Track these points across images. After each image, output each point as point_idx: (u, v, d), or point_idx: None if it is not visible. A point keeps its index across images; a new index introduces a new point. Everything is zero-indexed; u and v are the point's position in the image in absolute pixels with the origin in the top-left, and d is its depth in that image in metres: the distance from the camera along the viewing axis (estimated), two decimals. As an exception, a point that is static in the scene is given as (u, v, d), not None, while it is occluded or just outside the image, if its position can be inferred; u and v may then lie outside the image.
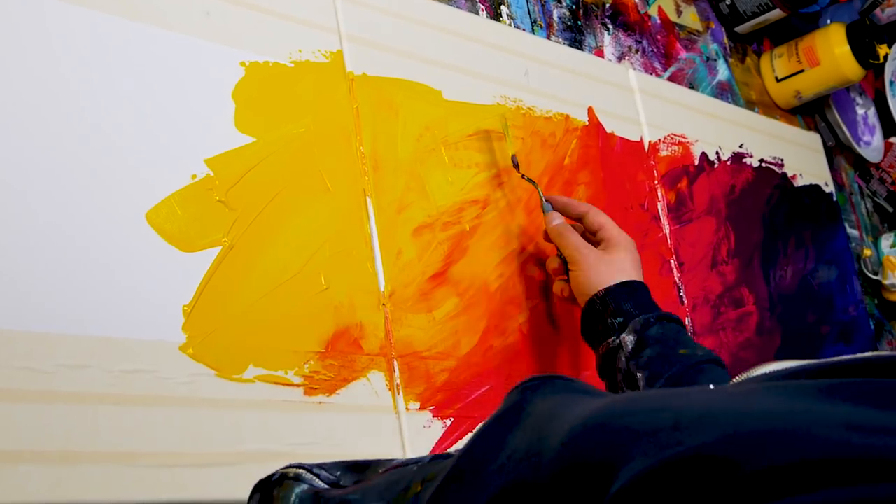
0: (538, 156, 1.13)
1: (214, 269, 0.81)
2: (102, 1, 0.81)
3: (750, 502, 0.38)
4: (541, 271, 1.08)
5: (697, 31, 1.51)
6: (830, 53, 1.56)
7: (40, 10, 0.77)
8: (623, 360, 0.94)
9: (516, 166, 1.06)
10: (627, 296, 0.96)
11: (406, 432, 0.90)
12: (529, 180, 1.06)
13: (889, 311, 1.73)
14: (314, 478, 0.68)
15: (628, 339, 0.94)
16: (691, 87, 1.45)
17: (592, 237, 1.03)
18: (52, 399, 0.70)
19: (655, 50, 1.40)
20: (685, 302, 1.26)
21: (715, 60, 1.52)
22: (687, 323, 1.25)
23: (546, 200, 1.05)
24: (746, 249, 1.41)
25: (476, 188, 1.05)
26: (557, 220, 1.03)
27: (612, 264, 0.98)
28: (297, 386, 0.84)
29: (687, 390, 0.65)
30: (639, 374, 0.91)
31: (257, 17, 0.92)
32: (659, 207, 1.28)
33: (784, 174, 1.55)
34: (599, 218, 1.02)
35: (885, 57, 1.61)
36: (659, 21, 1.43)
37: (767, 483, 0.38)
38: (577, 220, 1.04)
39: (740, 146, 1.48)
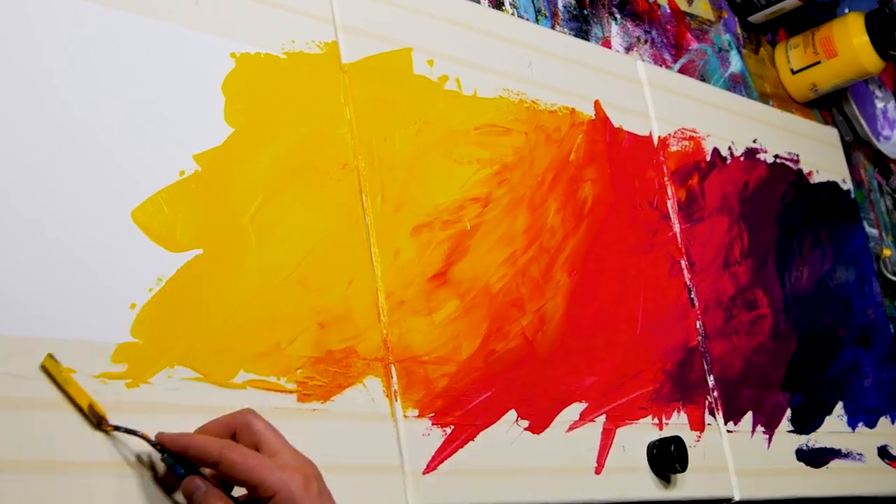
0: (542, 151, 1.13)
1: (202, 270, 0.81)
2: (86, -11, 0.81)
3: None
4: (545, 272, 1.08)
5: (709, 20, 1.51)
6: (848, 44, 1.56)
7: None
8: None
9: (98, 423, 0.72)
10: None
11: (404, 440, 0.90)
12: (129, 431, 0.72)
13: (910, 313, 1.73)
14: None
15: None
16: (703, 79, 1.45)
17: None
18: (32, 406, 0.70)
19: (665, 40, 1.40)
20: (696, 304, 1.26)
21: (727, 51, 1.52)
22: (698, 327, 1.25)
23: (167, 459, 0.72)
24: (760, 249, 1.41)
25: (477, 185, 1.05)
26: (201, 487, 0.71)
27: None
28: (290, 392, 0.84)
29: None
30: None
31: (248, 6, 0.92)
32: (669, 205, 1.28)
33: (800, 171, 1.55)
34: (237, 468, 0.70)
35: (906, 48, 1.61)
36: (669, 10, 1.43)
37: None
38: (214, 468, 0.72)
39: (754, 141, 1.48)
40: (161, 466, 0.73)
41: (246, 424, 0.73)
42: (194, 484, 0.71)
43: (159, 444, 0.72)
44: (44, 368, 0.71)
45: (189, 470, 0.71)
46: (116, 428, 0.72)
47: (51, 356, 0.70)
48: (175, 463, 0.72)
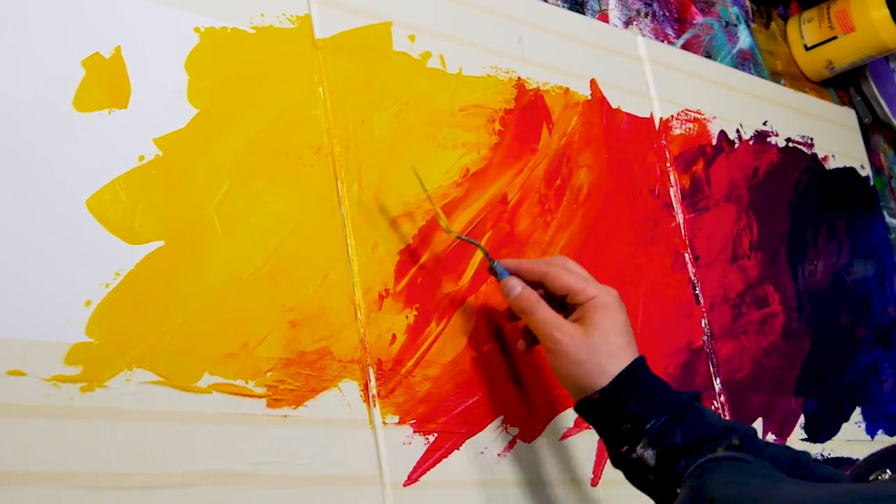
0: (533, 135, 1.14)
1: (163, 264, 0.82)
2: (36, -43, 0.81)
3: None
4: (537, 266, 1.09)
5: (716, -8, 1.52)
6: (867, 18, 1.57)
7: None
8: (650, 476, 0.90)
9: (445, 228, 1.00)
10: (630, 393, 0.90)
11: (383, 449, 0.90)
12: (471, 241, 1.00)
13: (933, 311, 1.74)
14: None
15: (647, 454, 0.89)
16: (708, 56, 1.45)
17: (561, 302, 0.96)
18: (-21, 411, 0.71)
19: (667, 14, 1.41)
20: (701, 301, 1.27)
21: (735, 26, 1.53)
22: (703, 325, 1.26)
23: (496, 264, 0.97)
24: (771, 241, 1.42)
25: (463, 172, 1.05)
26: (518, 287, 0.96)
27: (596, 350, 0.91)
28: (259, 397, 0.84)
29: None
30: (678, 490, 0.87)
31: (213, -25, 0.92)
32: (671, 193, 1.29)
33: (814, 155, 1.57)
34: (563, 279, 0.94)
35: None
36: (672, -19, 1.44)
37: None
38: (538, 285, 0.96)
39: (764, 124, 1.49)
40: None
41: (562, 262, 0.96)
42: (512, 282, 0.95)
43: (498, 262, 0.97)
44: (414, 170, 0.98)
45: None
46: (459, 237, 1.00)
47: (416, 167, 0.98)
48: (501, 270, 0.96)
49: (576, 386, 0.92)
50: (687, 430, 0.89)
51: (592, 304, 0.93)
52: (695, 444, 0.88)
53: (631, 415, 0.90)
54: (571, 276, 0.94)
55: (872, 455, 0.75)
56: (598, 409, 0.91)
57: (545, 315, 0.93)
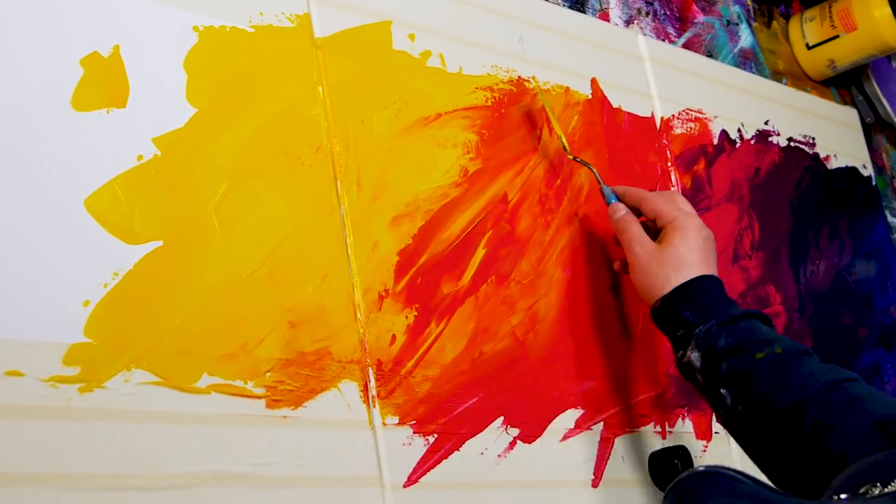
0: (533, 134, 1.14)
1: (162, 264, 0.82)
2: (34, -44, 0.81)
3: None
4: (537, 266, 1.09)
5: (717, -10, 1.52)
6: (869, 17, 1.57)
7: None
8: (699, 377, 0.98)
9: (564, 149, 1.11)
10: (685, 302, 0.99)
11: (383, 450, 0.90)
12: (584, 164, 1.12)
13: (936, 311, 1.74)
14: None
15: (693, 356, 0.97)
16: (710, 55, 1.45)
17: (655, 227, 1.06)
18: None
19: (669, 13, 1.41)
20: (702, 301, 1.27)
21: (737, 25, 1.53)
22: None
23: (605, 188, 1.09)
24: (773, 241, 1.42)
25: (462, 172, 1.05)
26: (621, 212, 1.07)
27: (665, 263, 1.01)
28: (258, 397, 0.84)
29: None
30: (723, 391, 0.95)
31: (212, -26, 0.92)
32: (672, 193, 1.28)
33: (816, 155, 1.57)
34: (656, 204, 1.05)
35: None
36: (673, -21, 1.44)
37: None
38: (637, 211, 1.07)
39: (766, 123, 1.49)
40: None
41: (671, 194, 1.07)
42: (618, 206, 1.07)
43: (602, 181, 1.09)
44: (542, 95, 1.13)
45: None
46: (574, 158, 1.12)
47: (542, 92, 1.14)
48: (609, 194, 1.08)
49: (647, 295, 1.02)
50: (731, 335, 0.96)
51: (672, 226, 1.02)
52: (735, 349, 0.95)
53: (685, 321, 0.98)
54: (665, 203, 1.04)
55: (859, 466, 0.76)
56: (661, 316, 1.01)
57: (633, 233, 1.04)
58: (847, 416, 0.87)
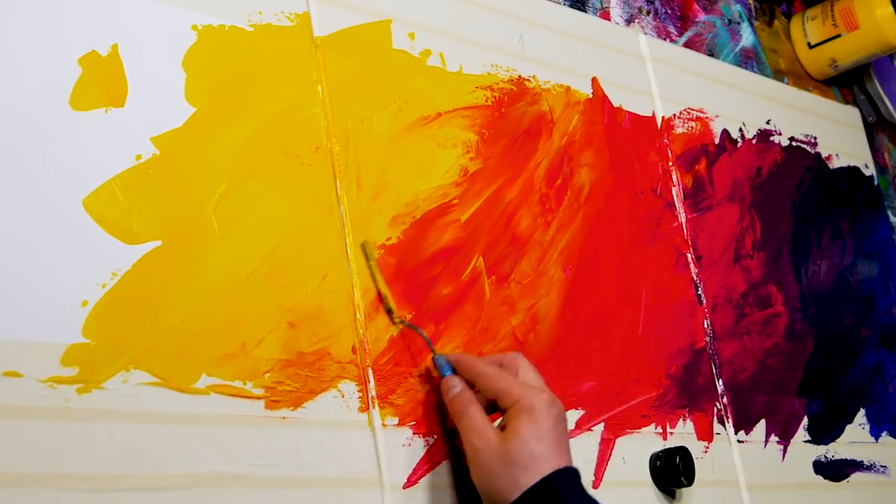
0: (534, 134, 1.14)
1: (160, 264, 0.82)
2: (32, -45, 0.81)
3: None
4: (537, 266, 1.09)
5: (718, -11, 1.52)
6: (871, 15, 1.57)
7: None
8: None
9: (389, 312, 0.95)
10: None
11: (382, 451, 0.90)
12: (414, 328, 0.96)
13: (938, 312, 1.74)
14: None
15: None
16: (711, 54, 1.45)
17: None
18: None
19: (670, 11, 1.41)
20: (704, 301, 1.27)
21: (738, 24, 1.53)
22: (706, 326, 1.26)
23: (438, 357, 0.94)
24: (774, 241, 1.42)
25: (462, 171, 1.05)
26: (455, 388, 0.92)
27: (511, 461, 0.85)
28: (258, 398, 0.84)
29: None
30: None
31: (211, -27, 0.92)
32: (674, 193, 1.29)
33: (818, 154, 1.57)
34: (493, 383, 0.90)
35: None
36: (674, -22, 1.44)
37: None
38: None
39: (767, 122, 1.49)
40: None
41: (512, 360, 0.93)
42: (453, 380, 0.92)
43: (442, 356, 0.94)
44: (363, 247, 0.94)
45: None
46: (402, 322, 0.95)
47: (367, 243, 0.95)
48: (443, 365, 0.93)
49: (490, 498, 0.87)
50: None
51: (516, 409, 0.87)
52: None
53: None
54: (502, 377, 0.90)
55: None
56: None
57: (471, 420, 0.89)
58: None
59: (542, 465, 0.85)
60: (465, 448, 0.89)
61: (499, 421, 0.89)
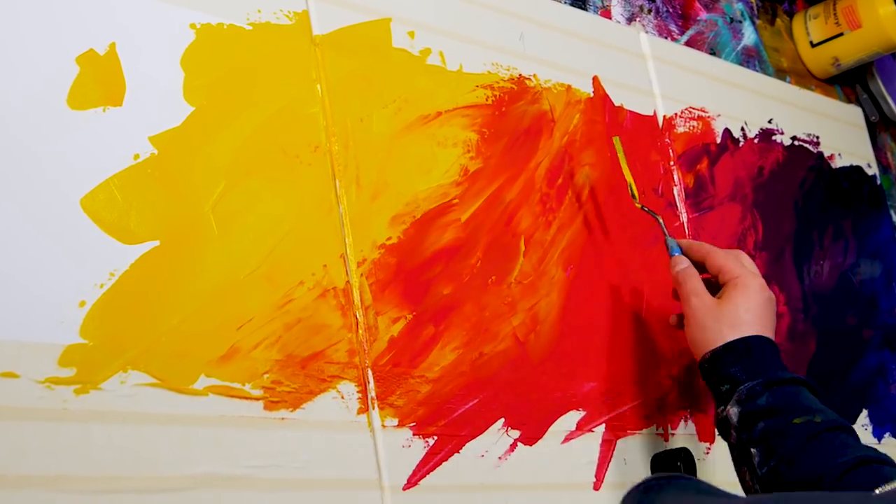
0: (535, 133, 1.14)
1: (158, 264, 0.82)
2: (29, -47, 0.81)
3: None
4: (538, 266, 1.09)
5: (720, -13, 1.52)
6: (874, 14, 1.57)
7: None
8: (734, 433, 0.96)
9: (632, 197, 1.13)
10: (735, 358, 0.98)
11: (382, 453, 0.90)
12: (652, 213, 1.13)
13: (941, 312, 1.74)
14: None
15: (733, 411, 0.96)
16: (713, 53, 1.45)
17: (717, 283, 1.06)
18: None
19: (671, 10, 1.41)
20: (705, 302, 1.27)
21: (740, 22, 1.53)
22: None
23: (669, 240, 1.09)
24: (776, 241, 1.42)
25: (462, 171, 1.05)
26: (682, 264, 1.07)
27: (721, 318, 1.00)
28: (257, 399, 0.84)
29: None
30: (753, 450, 0.94)
31: (209, -29, 0.92)
32: (675, 192, 1.29)
33: (820, 154, 1.57)
34: (719, 260, 1.05)
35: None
36: (675, -24, 1.44)
37: None
38: (700, 265, 1.07)
39: (769, 122, 1.49)
40: None
41: (736, 252, 1.07)
42: (681, 259, 1.08)
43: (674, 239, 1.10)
44: (617, 142, 1.16)
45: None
46: (643, 208, 1.13)
47: (618, 142, 1.16)
48: (673, 246, 1.09)
49: (698, 348, 1.01)
50: (774, 396, 0.95)
51: (733, 283, 1.02)
52: (775, 410, 0.94)
53: (732, 377, 0.98)
54: (729, 259, 1.05)
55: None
56: (709, 369, 1.00)
57: (692, 286, 1.04)
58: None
59: (745, 329, 1.00)
60: (684, 310, 1.04)
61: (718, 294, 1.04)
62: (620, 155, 1.15)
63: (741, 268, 1.03)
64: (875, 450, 0.92)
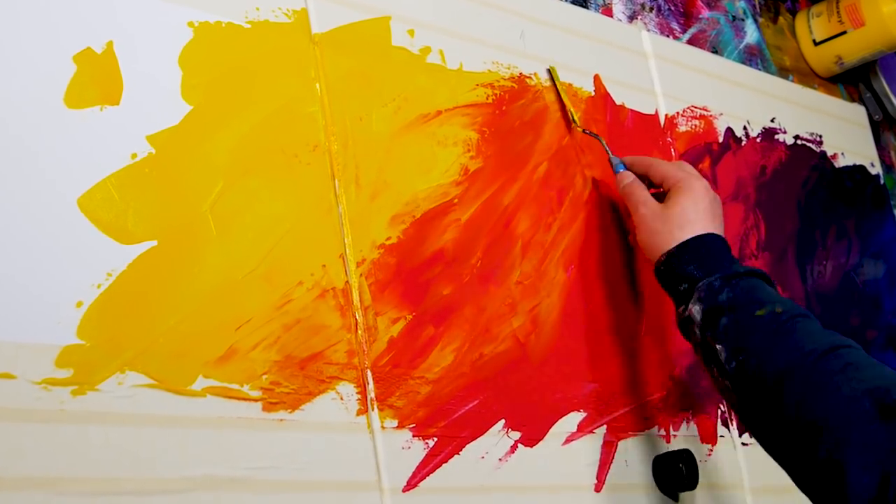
0: (536, 132, 1.14)
1: (156, 264, 0.82)
2: (26, -50, 0.81)
3: None
4: (539, 267, 1.09)
5: (722, -15, 1.52)
6: (877, 12, 1.57)
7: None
8: (697, 332, 0.98)
9: (571, 120, 1.16)
10: (691, 257, 1.01)
11: (382, 454, 0.91)
12: (594, 135, 1.16)
13: (945, 313, 1.74)
14: None
15: (695, 308, 0.99)
16: (715, 51, 1.46)
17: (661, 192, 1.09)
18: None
19: (673, 8, 1.41)
20: (707, 302, 1.27)
21: (742, 20, 1.53)
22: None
23: (613, 157, 1.13)
24: (779, 241, 1.42)
25: (462, 170, 1.05)
26: (628, 178, 1.11)
27: (669, 220, 1.04)
28: (255, 400, 0.84)
29: None
30: (718, 347, 0.96)
31: (207, -31, 0.92)
32: (677, 192, 1.28)
33: (823, 153, 1.57)
34: (662, 168, 1.09)
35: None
36: (677, -26, 1.44)
37: None
38: (645, 179, 1.11)
39: (772, 121, 1.49)
40: None
41: (658, 162, 1.10)
42: (626, 174, 1.11)
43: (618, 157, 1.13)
44: (549, 72, 1.17)
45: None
46: (584, 131, 1.16)
47: (554, 69, 1.17)
48: (617, 163, 1.12)
49: (652, 252, 1.04)
50: (734, 291, 0.97)
51: (678, 186, 1.05)
52: (736, 304, 0.96)
53: (689, 276, 1.00)
54: (672, 167, 1.08)
55: None
56: (665, 272, 1.02)
57: (639, 196, 1.07)
58: (838, 383, 0.87)
59: (695, 227, 1.03)
60: (634, 220, 1.07)
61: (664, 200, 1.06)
62: (558, 83, 1.17)
63: (684, 172, 1.07)
64: (837, 333, 0.94)
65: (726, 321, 0.96)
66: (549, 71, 1.17)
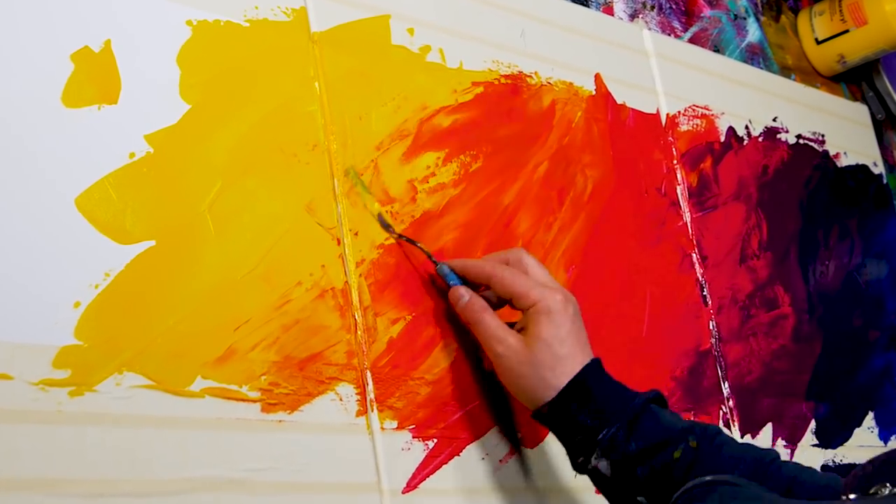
0: (536, 131, 1.14)
1: (154, 264, 0.82)
2: (23, -52, 0.81)
3: None
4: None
5: (724, -16, 1.52)
6: (880, 10, 1.57)
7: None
8: (609, 485, 0.90)
9: (386, 227, 0.97)
10: (578, 405, 0.89)
11: (381, 456, 0.90)
12: (411, 242, 0.98)
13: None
14: None
15: (602, 464, 0.89)
16: (716, 50, 1.46)
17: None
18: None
19: (674, 7, 1.41)
20: (709, 303, 1.27)
21: (744, 19, 1.53)
22: (711, 328, 1.26)
23: (442, 266, 0.97)
24: (781, 241, 1.42)
25: (462, 170, 1.05)
26: (465, 297, 0.95)
27: (537, 363, 0.90)
28: (254, 401, 0.84)
29: None
30: (639, 499, 0.89)
31: (206, -33, 0.92)
32: (678, 192, 1.29)
33: (825, 152, 1.57)
34: (508, 284, 0.92)
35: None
36: (679, -28, 1.44)
37: None
38: (486, 289, 0.96)
39: (774, 120, 1.49)
40: None
41: (518, 258, 0.94)
42: (459, 292, 0.95)
43: (435, 258, 0.96)
44: (349, 172, 0.95)
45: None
46: (400, 237, 0.96)
47: (353, 168, 0.95)
48: (447, 273, 0.95)
49: (527, 400, 0.91)
50: (640, 437, 0.88)
51: (534, 311, 0.91)
52: (648, 451, 0.88)
53: (582, 426, 0.89)
54: (517, 278, 0.92)
55: (871, 463, 0.74)
56: (551, 421, 0.90)
57: (489, 327, 0.92)
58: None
59: (568, 365, 0.89)
60: (491, 358, 0.93)
61: (516, 323, 0.94)
62: (361, 188, 0.96)
63: (534, 287, 0.92)
64: (753, 446, 0.91)
65: (643, 471, 0.88)
66: (347, 172, 0.96)
